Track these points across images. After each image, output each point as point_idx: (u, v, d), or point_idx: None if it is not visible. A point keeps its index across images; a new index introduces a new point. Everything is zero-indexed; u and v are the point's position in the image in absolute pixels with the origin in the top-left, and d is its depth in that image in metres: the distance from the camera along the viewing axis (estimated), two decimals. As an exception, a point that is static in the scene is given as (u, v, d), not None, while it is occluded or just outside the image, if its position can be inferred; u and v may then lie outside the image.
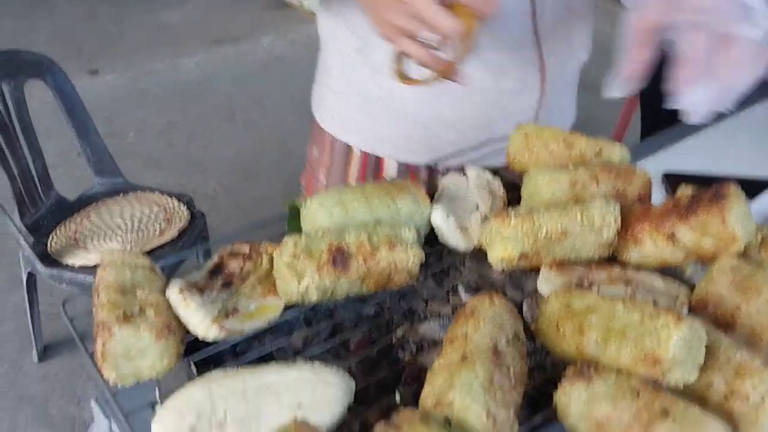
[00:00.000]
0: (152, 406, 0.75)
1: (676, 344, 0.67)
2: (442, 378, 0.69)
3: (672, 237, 0.85)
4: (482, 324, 0.73)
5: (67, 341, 2.63)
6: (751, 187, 0.99)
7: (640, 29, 0.85)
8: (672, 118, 1.58)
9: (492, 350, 0.71)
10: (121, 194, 2.50)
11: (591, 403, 0.69)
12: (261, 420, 0.69)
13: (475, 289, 0.96)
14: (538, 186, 0.92)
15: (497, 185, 0.99)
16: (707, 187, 0.85)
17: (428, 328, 0.94)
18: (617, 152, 0.99)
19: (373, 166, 1.24)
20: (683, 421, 0.66)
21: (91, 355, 0.76)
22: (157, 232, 2.31)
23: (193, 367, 0.78)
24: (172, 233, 2.28)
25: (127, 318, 0.72)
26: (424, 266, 1.02)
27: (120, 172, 2.55)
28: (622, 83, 0.87)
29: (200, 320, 0.75)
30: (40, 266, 2.23)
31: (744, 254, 0.84)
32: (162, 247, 2.23)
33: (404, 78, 0.93)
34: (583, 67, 1.32)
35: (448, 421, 0.67)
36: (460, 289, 0.98)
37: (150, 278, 0.79)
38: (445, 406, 0.67)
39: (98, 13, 5.34)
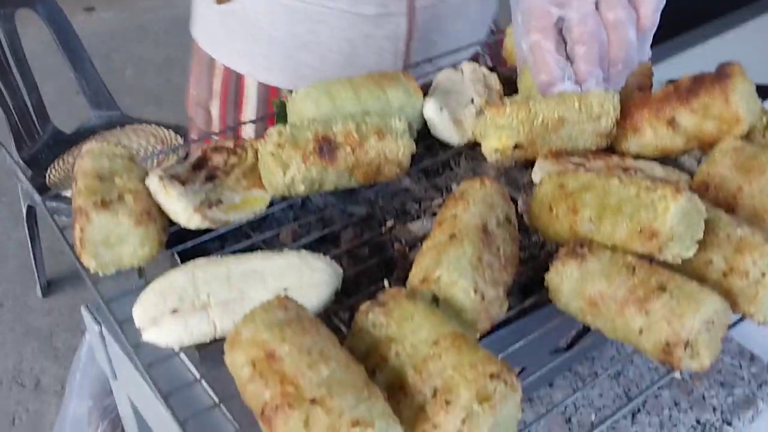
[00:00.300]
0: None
1: (674, 216, 0.64)
2: (430, 257, 0.67)
3: (672, 122, 0.82)
4: (472, 204, 0.70)
5: (70, 277, 2.63)
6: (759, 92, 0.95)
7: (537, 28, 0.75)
8: (675, 28, 1.54)
9: (481, 229, 0.68)
10: (118, 127, 2.47)
11: (584, 282, 0.67)
12: (245, 303, 0.67)
13: (469, 186, 0.93)
14: (534, 74, 0.88)
15: (494, 79, 0.95)
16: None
17: (420, 226, 0.91)
18: (617, 43, 0.95)
19: (234, 83, 1.18)
20: (680, 295, 0.63)
21: (72, 247, 0.74)
22: (155, 164, 2.29)
23: (177, 258, 0.76)
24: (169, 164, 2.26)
25: (105, 204, 0.70)
26: (415, 165, 1.00)
27: (116, 105, 2.52)
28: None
29: (182, 208, 0.73)
30: (38, 199, 2.21)
31: (747, 138, 0.80)
32: (160, 177, 2.21)
33: None
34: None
35: (435, 299, 0.65)
36: (454, 188, 0.95)
37: (129, 167, 0.76)
38: (431, 282, 0.65)
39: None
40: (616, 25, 0.73)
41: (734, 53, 0.88)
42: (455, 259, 0.65)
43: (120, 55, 3.87)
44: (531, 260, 0.83)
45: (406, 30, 1.09)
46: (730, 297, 0.66)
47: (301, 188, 0.79)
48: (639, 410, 0.86)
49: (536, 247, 0.86)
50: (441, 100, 0.89)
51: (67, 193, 2.20)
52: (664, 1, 0.77)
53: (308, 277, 0.70)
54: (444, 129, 0.89)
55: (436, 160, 0.96)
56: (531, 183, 0.88)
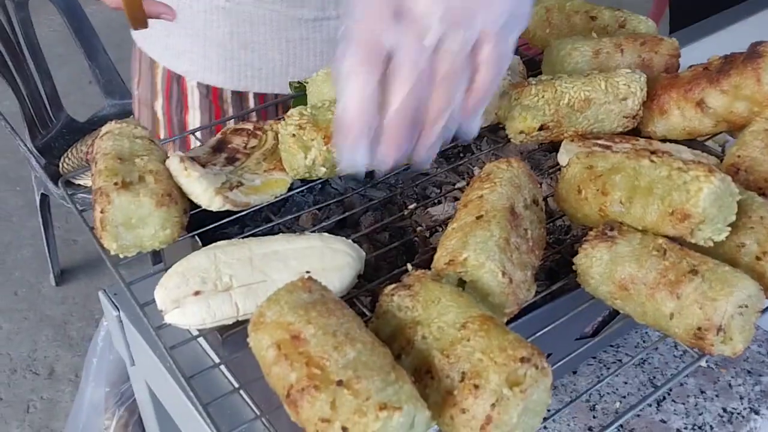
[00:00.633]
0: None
1: (707, 198, 0.62)
2: (456, 239, 0.65)
3: (701, 104, 0.80)
4: (499, 185, 0.69)
5: (84, 266, 2.64)
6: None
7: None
8: (702, 11, 1.51)
9: (509, 211, 0.67)
10: (132, 116, 2.46)
11: (614, 265, 0.65)
12: (268, 286, 0.66)
13: (491, 171, 0.91)
14: (560, 56, 0.87)
15: (516, 60, 0.94)
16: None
17: (441, 211, 0.90)
18: (643, 24, 0.93)
19: (177, 82, 1.15)
20: (713, 279, 0.62)
21: (92, 229, 0.73)
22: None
23: (198, 240, 0.75)
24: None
25: (126, 185, 0.69)
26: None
27: (130, 94, 2.51)
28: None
29: (203, 189, 0.72)
30: (52, 187, 2.21)
31: (779, 120, 0.78)
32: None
33: None
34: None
35: (461, 282, 0.64)
36: (476, 172, 0.93)
37: (149, 148, 0.75)
38: (458, 265, 0.63)
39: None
40: (443, 80, 0.59)
41: (763, 35, 0.86)
42: (482, 240, 0.63)
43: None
44: (556, 244, 0.81)
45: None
46: (762, 281, 0.65)
47: (322, 171, 0.78)
48: (664, 398, 0.84)
49: (561, 231, 0.85)
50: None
51: (81, 181, 2.20)
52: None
53: (330, 260, 0.69)
54: (466, 111, 0.87)
55: (457, 144, 0.95)
56: (555, 166, 0.87)
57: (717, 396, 0.84)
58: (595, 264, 0.66)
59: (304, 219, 0.87)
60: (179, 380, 0.86)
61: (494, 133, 0.95)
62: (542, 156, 0.94)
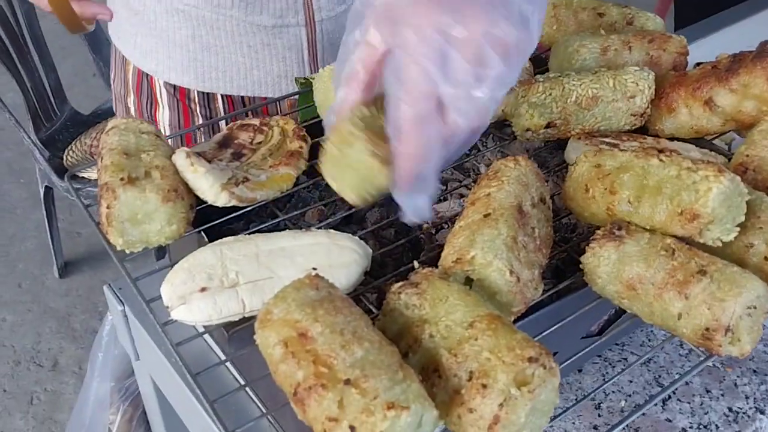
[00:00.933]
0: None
1: (716, 198, 0.62)
2: (463, 237, 0.65)
3: (709, 102, 0.79)
4: (506, 183, 0.68)
5: (88, 258, 2.64)
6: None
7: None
8: (707, 8, 1.50)
9: (516, 209, 0.66)
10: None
11: (622, 264, 0.65)
12: (275, 282, 0.66)
13: (497, 168, 0.91)
14: (568, 53, 0.86)
15: (522, 58, 0.93)
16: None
17: (447, 208, 0.90)
18: (651, 21, 0.93)
19: (146, 80, 1.15)
20: (721, 280, 0.62)
21: (98, 224, 0.73)
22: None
23: (204, 236, 0.75)
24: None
25: (132, 180, 0.69)
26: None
27: (134, 87, 2.51)
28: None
29: (210, 185, 0.72)
30: (56, 179, 2.21)
31: (788, 119, 0.78)
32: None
33: None
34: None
35: (468, 280, 0.63)
36: (482, 170, 0.93)
37: (155, 143, 0.75)
38: (465, 263, 0.63)
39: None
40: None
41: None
42: (490, 239, 0.63)
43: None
44: (563, 243, 0.81)
45: (306, 41, 1.07)
46: (771, 282, 0.64)
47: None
48: (669, 397, 0.84)
49: (568, 229, 0.84)
50: (470, 78, 0.87)
51: (85, 174, 2.20)
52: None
53: (337, 256, 0.69)
54: (473, 108, 0.87)
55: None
56: (562, 164, 0.87)
57: (722, 395, 0.84)
58: (603, 263, 0.66)
59: (310, 215, 0.87)
60: (185, 377, 0.86)
61: (500, 130, 0.95)
62: (548, 154, 0.94)
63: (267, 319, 0.58)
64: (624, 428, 0.80)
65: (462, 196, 0.91)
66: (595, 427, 0.81)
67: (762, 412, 0.83)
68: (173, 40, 1.09)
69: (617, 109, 0.81)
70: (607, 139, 0.82)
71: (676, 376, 0.86)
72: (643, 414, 0.82)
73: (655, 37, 0.87)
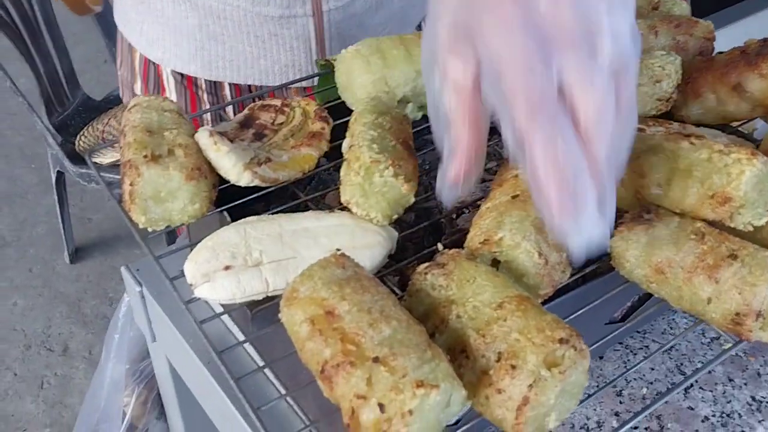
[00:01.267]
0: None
1: (749, 181, 0.61)
2: (491, 218, 0.64)
3: (738, 87, 0.78)
4: (534, 165, 0.67)
5: (98, 244, 2.64)
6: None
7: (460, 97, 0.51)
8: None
9: (545, 191, 0.65)
10: (149, 95, 2.45)
11: (651, 248, 0.64)
12: (298, 262, 0.65)
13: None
14: (593, 36, 0.85)
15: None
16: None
17: (467, 192, 0.89)
18: (677, 6, 0.92)
19: (153, 67, 1.14)
20: (753, 264, 0.61)
21: (120, 202, 0.72)
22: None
23: (227, 216, 0.74)
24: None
25: (155, 158, 0.68)
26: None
27: (146, 73, 2.50)
28: (456, 187, 0.56)
29: (232, 164, 0.71)
30: (68, 164, 2.21)
31: (818, 105, 0.77)
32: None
33: None
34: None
35: (495, 262, 0.63)
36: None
37: (178, 121, 0.74)
38: (493, 244, 0.62)
39: None
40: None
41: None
42: (518, 220, 0.62)
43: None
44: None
45: (314, 31, 1.06)
46: (802, 267, 0.63)
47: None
48: (692, 385, 0.83)
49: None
50: (494, 61, 0.86)
51: (96, 159, 2.20)
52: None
53: (361, 238, 0.68)
54: (497, 92, 0.86)
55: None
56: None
57: (745, 384, 0.83)
58: (632, 247, 0.65)
59: (330, 197, 0.86)
60: (208, 355, 0.86)
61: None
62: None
63: (293, 296, 0.57)
64: (646, 415, 0.79)
65: (483, 180, 0.90)
66: (616, 414, 0.80)
67: (785, 402, 0.82)
68: (180, 29, 1.08)
69: (643, 94, 0.80)
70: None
71: (698, 365, 0.85)
72: (666, 402, 0.81)
73: (681, 22, 0.86)
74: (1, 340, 2.33)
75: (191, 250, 0.72)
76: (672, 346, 0.87)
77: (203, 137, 0.72)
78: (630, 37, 0.49)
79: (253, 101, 1.06)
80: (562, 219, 0.49)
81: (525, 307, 0.56)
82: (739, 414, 0.80)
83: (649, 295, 0.83)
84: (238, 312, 0.78)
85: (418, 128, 0.91)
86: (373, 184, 0.69)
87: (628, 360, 0.85)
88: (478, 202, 0.87)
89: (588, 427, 0.79)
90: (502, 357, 0.54)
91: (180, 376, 1.00)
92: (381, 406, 0.50)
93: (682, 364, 0.85)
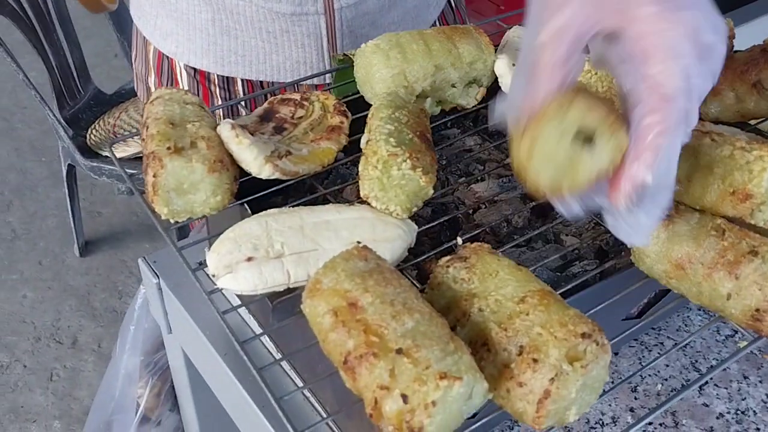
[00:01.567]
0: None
1: (770, 178, 0.61)
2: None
3: (757, 85, 0.78)
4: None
5: (108, 238, 2.65)
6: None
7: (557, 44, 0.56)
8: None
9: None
10: (160, 89, 2.46)
11: (671, 244, 0.65)
12: (319, 254, 0.66)
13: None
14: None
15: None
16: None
17: (484, 188, 0.89)
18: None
19: (167, 60, 1.15)
20: (773, 261, 0.61)
21: (141, 193, 0.73)
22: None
23: (247, 208, 0.74)
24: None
25: (178, 150, 0.69)
26: (480, 125, 0.98)
27: (158, 68, 2.51)
28: (514, 117, 0.59)
29: (254, 157, 0.71)
30: (79, 157, 2.22)
31: (837, 104, 0.77)
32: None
33: None
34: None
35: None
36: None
37: (200, 114, 0.75)
38: None
39: None
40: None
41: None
42: None
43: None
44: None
45: (326, 29, 1.06)
46: (823, 265, 0.64)
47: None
48: (707, 382, 0.83)
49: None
50: (513, 56, 0.87)
51: (107, 154, 2.21)
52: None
53: (381, 231, 0.69)
54: (515, 87, 0.86)
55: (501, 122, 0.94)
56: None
57: (761, 382, 0.83)
58: (652, 242, 0.65)
59: (348, 191, 0.86)
60: (225, 346, 0.86)
61: (540, 111, 0.94)
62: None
63: (316, 288, 0.58)
64: (662, 412, 0.80)
65: (500, 176, 0.91)
66: (631, 410, 0.80)
67: (800, 400, 0.82)
68: (193, 24, 1.08)
69: (662, 91, 0.80)
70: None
71: (713, 362, 0.85)
72: (681, 398, 0.82)
73: (701, 19, 0.86)
74: (11, 332, 2.34)
75: (210, 242, 0.73)
76: (687, 344, 0.87)
77: (225, 130, 0.73)
78: None
79: (265, 98, 1.07)
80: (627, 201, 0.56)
81: (547, 302, 0.56)
82: (754, 411, 0.80)
83: (665, 292, 0.83)
84: (256, 304, 0.79)
85: (435, 123, 0.91)
86: (391, 177, 0.69)
87: (644, 356, 0.85)
88: (495, 198, 0.88)
89: (603, 423, 0.79)
90: (524, 351, 0.55)
91: (194, 367, 1.01)
92: (404, 397, 0.51)
93: (697, 361, 0.85)
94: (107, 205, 2.75)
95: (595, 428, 0.79)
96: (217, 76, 1.12)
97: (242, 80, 1.13)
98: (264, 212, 0.69)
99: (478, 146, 0.95)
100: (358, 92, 0.89)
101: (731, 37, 0.87)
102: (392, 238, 0.68)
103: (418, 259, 0.74)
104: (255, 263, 0.64)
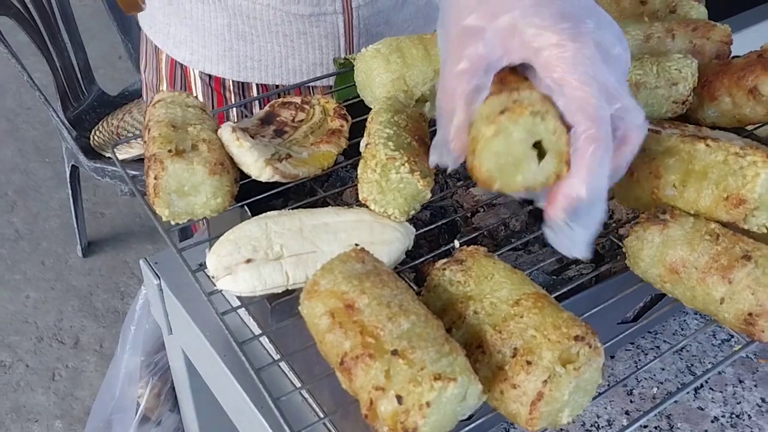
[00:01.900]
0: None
1: (764, 184, 0.62)
2: None
3: (754, 91, 0.79)
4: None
5: (110, 239, 2.66)
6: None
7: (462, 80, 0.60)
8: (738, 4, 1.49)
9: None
10: (163, 91, 2.47)
11: (665, 248, 0.65)
12: (318, 256, 0.67)
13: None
14: (610, 39, 0.86)
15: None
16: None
17: (482, 191, 0.90)
18: (694, 10, 0.92)
19: (180, 69, 1.15)
20: (766, 265, 0.62)
21: (143, 194, 0.74)
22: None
23: (247, 210, 0.75)
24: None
25: (179, 152, 0.70)
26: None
27: (161, 69, 2.52)
28: (451, 156, 0.63)
29: (254, 160, 0.72)
30: (83, 159, 2.23)
31: (833, 110, 0.78)
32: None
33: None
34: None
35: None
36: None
37: (201, 117, 0.75)
38: None
39: None
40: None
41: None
42: None
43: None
44: (602, 228, 0.81)
45: (343, 28, 1.07)
46: (816, 271, 0.64)
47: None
48: (702, 386, 0.84)
49: (606, 214, 0.84)
50: (511, 62, 0.87)
51: (109, 155, 2.22)
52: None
53: (379, 234, 0.69)
54: (513, 92, 0.87)
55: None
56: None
57: (755, 386, 0.84)
58: (647, 246, 0.66)
59: (347, 194, 0.87)
60: (225, 347, 0.87)
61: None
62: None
63: (314, 290, 0.59)
64: (656, 415, 0.80)
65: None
66: (626, 413, 0.81)
67: (795, 404, 0.83)
68: (208, 30, 1.09)
69: (659, 96, 0.81)
70: (648, 126, 0.82)
71: (709, 365, 0.86)
72: (675, 401, 0.82)
73: (698, 26, 0.87)
74: (13, 332, 2.35)
75: (210, 244, 0.73)
76: (683, 347, 0.88)
77: (226, 133, 0.73)
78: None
79: (279, 96, 1.07)
80: (560, 214, 0.59)
81: (542, 305, 0.57)
82: (749, 415, 0.81)
83: (661, 296, 0.84)
84: (255, 305, 0.80)
85: (434, 128, 0.92)
86: (389, 180, 0.70)
87: (639, 360, 0.86)
88: (493, 202, 0.88)
89: (598, 425, 0.80)
90: (517, 353, 0.55)
91: (194, 368, 1.02)
92: (399, 398, 0.51)
93: (692, 364, 0.86)
94: (110, 206, 2.77)
95: (590, 431, 0.79)
96: (233, 82, 1.13)
97: (258, 86, 1.13)
98: (264, 214, 0.70)
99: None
100: (359, 96, 0.90)
101: (728, 43, 0.88)
102: (390, 240, 0.69)
103: (416, 262, 0.75)
104: (254, 265, 0.65)
